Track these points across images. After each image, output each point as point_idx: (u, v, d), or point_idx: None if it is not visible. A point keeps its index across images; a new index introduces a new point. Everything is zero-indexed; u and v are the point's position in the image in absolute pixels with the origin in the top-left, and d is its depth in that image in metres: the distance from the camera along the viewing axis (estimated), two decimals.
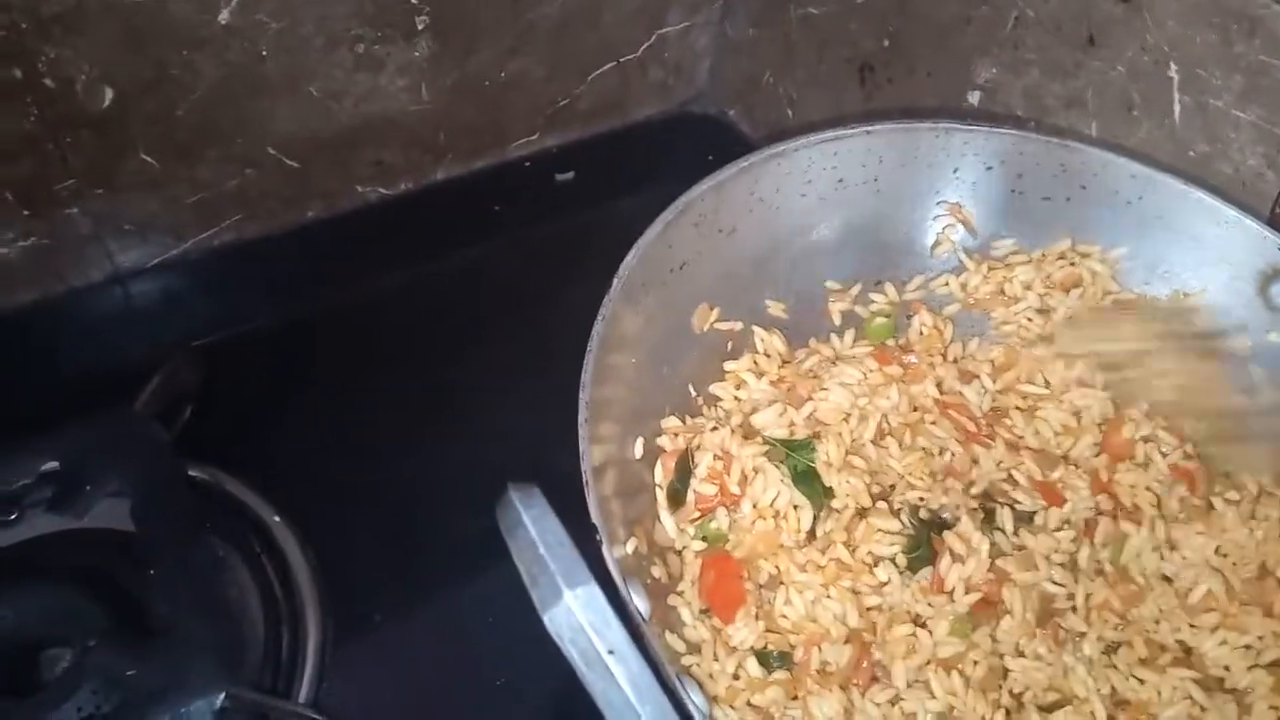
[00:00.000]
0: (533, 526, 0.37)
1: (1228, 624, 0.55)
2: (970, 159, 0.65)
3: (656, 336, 0.59)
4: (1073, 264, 0.65)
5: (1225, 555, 0.58)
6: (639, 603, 0.46)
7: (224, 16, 0.75)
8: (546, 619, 0.37)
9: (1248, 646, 0.55)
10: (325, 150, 0.87)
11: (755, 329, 0.65)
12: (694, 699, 0.44)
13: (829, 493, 0.57)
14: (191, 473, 0.67)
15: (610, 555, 0.45)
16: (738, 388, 0.60)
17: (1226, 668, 0.55)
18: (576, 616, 0.36)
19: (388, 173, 0.92)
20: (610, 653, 0.36)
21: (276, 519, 0.66)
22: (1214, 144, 0.68)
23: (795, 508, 0.56)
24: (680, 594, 0.55)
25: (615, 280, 0.53)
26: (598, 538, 0.46)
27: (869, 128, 0.63)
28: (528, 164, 0.98)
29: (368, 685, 0.60)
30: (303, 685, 0.60)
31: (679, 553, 0.56)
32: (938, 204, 0.67)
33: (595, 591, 0.37)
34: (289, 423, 0.73)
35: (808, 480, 0.57)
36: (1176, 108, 0.69)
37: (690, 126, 1.06)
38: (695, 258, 0.60)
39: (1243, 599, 0.56)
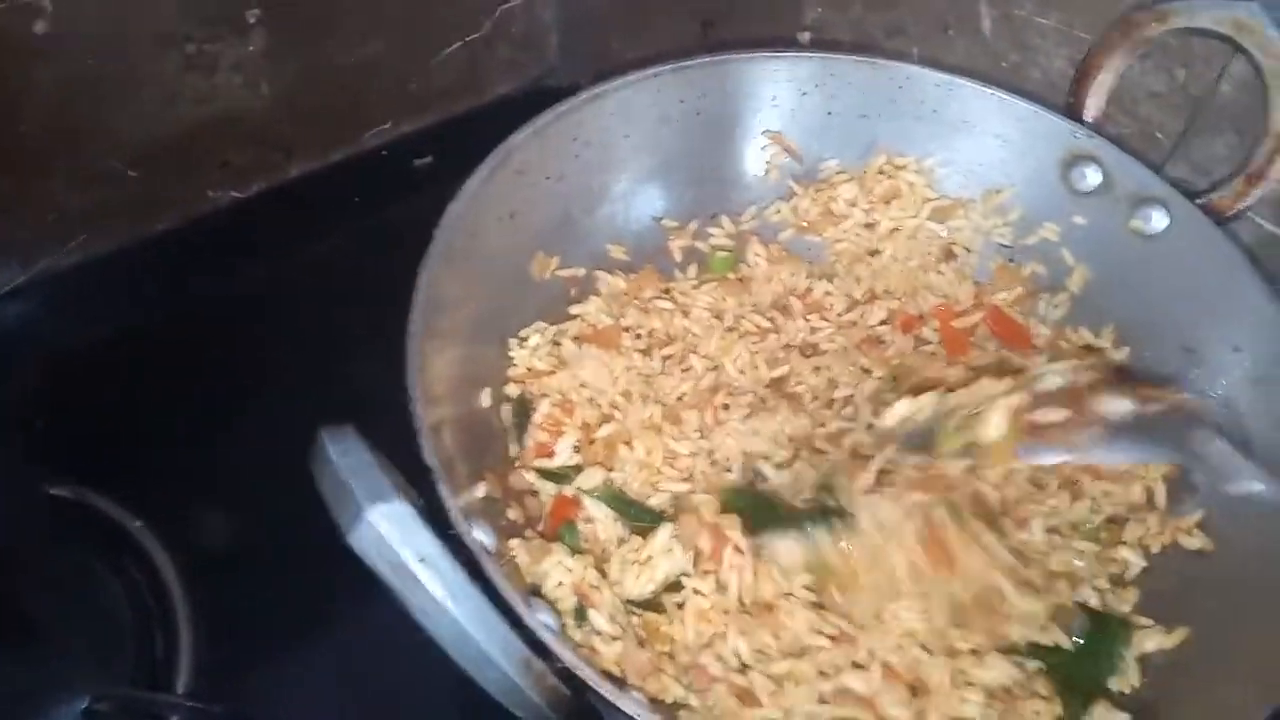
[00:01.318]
0: (337, 458, 0.37)
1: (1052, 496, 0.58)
2: (785, 86, 0.68)
3: (495, 287, 0.60)
4: (890, 177, 0.68)
5: None
6: (481, 537, 0.46)
7: (40, 26, 0.73)
8: (351, 540, 0.37)
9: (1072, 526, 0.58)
10: (168, 157, 0.85)
11: (598, 273, 0.66)
12: (544, 619, 0.45)
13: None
14: (53, 490, 0.66)
15: (446, 490, 0.46)
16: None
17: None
18: (379, 530, 0.36)
19: (238, 174, 0.90)
20: (421, 560, 0.37)
21: (138, 524, 0.66)
22: (1024, 52, 0.71)
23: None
24: (540, 533, 0.55)
25: (437, 231, 0.54)
26: (433, 478, 0.46)
27: (684, 64, 0.64)
28: (384, 152, 0.97)
29: (245, 676, 0.60)
30: (180, 680, 0.59)
31: (536, 494, 0.57)
32: (762, 134, 0.69)
33: (400, 505, 0.37)
34: (150, 432, 0.72)
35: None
36: (986, 22, 0.72)
37: (546, 102, 1.05)
38: (525, 206, 0.61)
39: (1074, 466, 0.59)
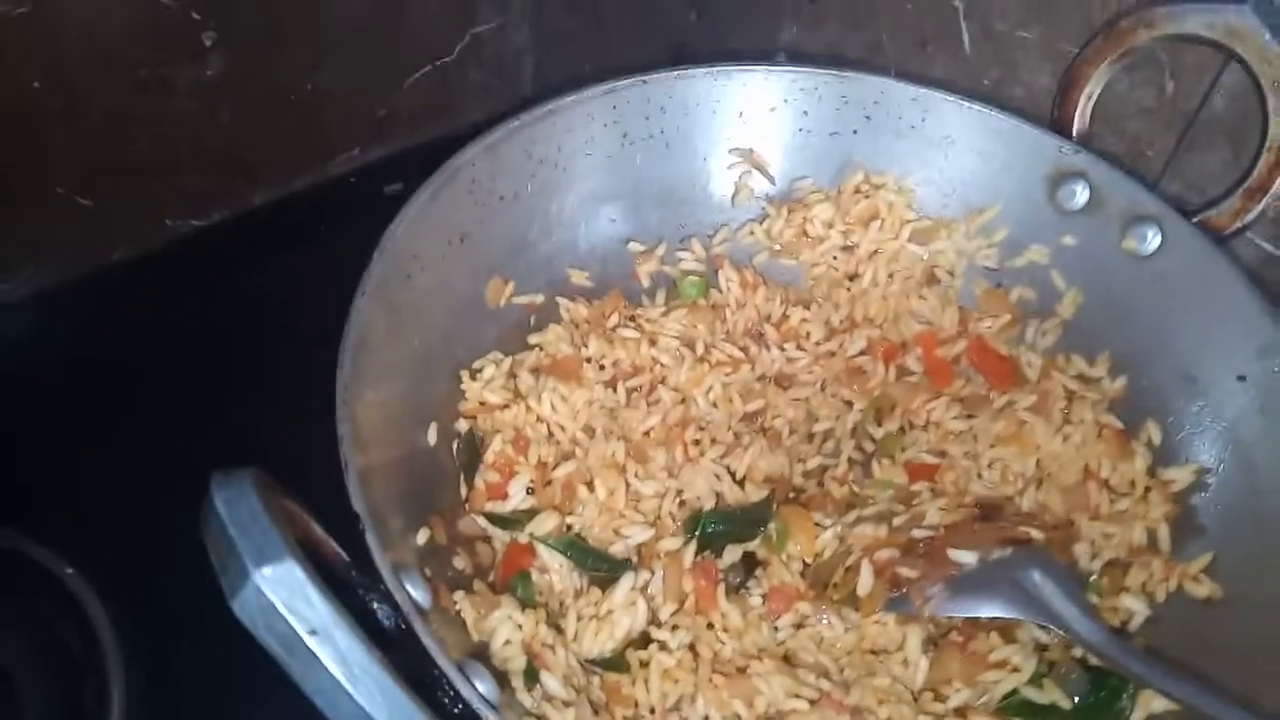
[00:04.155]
0: (224, 509, 0.33)
1: (1055, 539, 0.53)
2: (752, 101, 0.64)
3: (445, 315, 0.56)
4: (868, 196, 0.64)
5: (1047, 470, 0.57)
6: (415, 594, 0.42)
7: None
8: (235, 606, 0.32)
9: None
10: (122, 184, 0.81)
11: (559, 300, 0.62)
12: (480, 687, 0.40)
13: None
14: None
15: (374, 541, 0.41)
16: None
17: None
18: (268, 597, 0.32)
19: (197, 202, 0.87)
20: (312, 633, 0.32)
21: (69, 571, 0.61)
22: (1005, 68, 0.68)
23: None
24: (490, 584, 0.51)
25: (375, 256, 0.50)
26: (361, 527, 0.42)
27: (644, 77, 0.61)
28: (353, 179, 0.94)
29: None
30: None
31: (489, 541, 0.53)
32: (730, 151, 0.66)
33: (291, 568, 0.32)
34: (90, 473, 0.68)
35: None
36: (965, 37, 0.69)
37: None
38: (477, 228, 0.57)
39: (1069, 507, 0.55)
